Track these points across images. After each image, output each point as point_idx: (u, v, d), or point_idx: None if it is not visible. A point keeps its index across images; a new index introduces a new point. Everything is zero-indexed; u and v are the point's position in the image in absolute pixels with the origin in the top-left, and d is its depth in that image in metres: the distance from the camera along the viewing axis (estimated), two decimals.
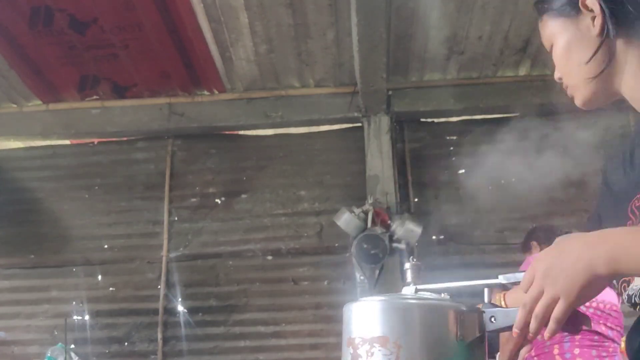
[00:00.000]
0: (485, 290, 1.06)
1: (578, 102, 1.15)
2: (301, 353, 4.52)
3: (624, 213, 1.04)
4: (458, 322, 0.99)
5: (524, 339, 0.96)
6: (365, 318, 1.02)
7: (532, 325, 0.89)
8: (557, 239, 0.91)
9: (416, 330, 0.99)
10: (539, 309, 0.87)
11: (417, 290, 1.06)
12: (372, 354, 0.97)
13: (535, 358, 2.73)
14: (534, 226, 3.31)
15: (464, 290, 1.13)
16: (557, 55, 1.13)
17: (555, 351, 2.67)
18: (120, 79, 4.66)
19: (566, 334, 2.62)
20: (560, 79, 1.17)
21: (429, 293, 1.07)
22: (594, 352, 2.62)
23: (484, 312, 1.02)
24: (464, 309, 1.01)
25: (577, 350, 2.63)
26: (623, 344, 2.79)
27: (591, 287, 0.84)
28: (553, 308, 0.86)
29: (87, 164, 5.01)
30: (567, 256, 0.85)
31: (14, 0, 3.87)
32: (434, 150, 4.85)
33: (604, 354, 2.62)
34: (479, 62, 4.52)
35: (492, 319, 1.01)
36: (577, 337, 2.62)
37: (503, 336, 1.05)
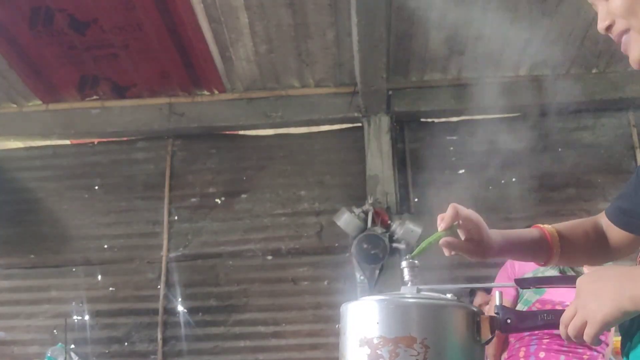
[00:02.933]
0: (497, 292, 1.05)
1: (636, 56, 0.97)
2: (301, 353, 4.51)
3: None
4: (476, 324, 0.99)
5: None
6: (387, 317, 0.98)
7: (573, 341, 0.96)
8: (600, 267, 0.96)
9: (444, 331, 0.97)
10: (571, 330, 0.93)
11: (419, 291, 1.06)
12: (398, 354, 0.94)
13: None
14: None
15: (461, 290, 1.13)
16: None
17: (521, 353, 2.66)
18: (120, 79, 4.66)
19: (534, 336, 2.62)
20: (608, 29, 1.00)
21: (432, 293, 1.06)
22: (562, 358, 2.56)
23: (498, 314, 1.02)
24: (476, 310, 1.02)
25: (542, 354, 2.59)
26: (617, 344, 2.75)
27: (616, 318, 0.88)
28: (583, 329, 0.91)
29: (87, 164, 5.00)
30: (600, 286, 0.90)
31: (14, 0, 3.87)
32: (434, 150, 4.84)
33: None
34: (479, 62, 4.52)
35: (508, 321, 1.01)
36: (545, 340, 2.60)
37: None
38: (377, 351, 0.95)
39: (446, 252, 1.20)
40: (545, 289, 2.58)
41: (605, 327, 0.89)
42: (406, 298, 1.02)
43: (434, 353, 0.94)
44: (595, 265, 1.38)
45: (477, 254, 1.20)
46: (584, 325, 0.91)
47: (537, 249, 1.26)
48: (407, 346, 0.94)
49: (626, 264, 1.14)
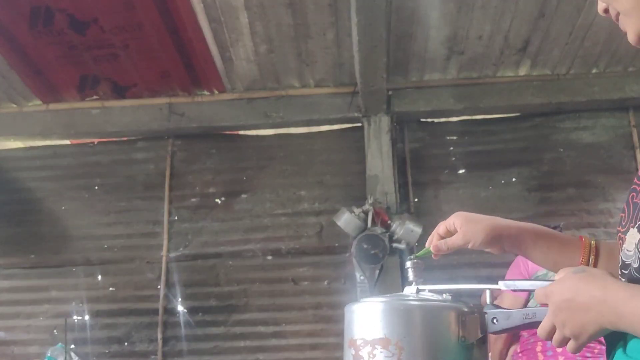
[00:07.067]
0: (487, 291, 1.05)
1: (634, 32, 0.95)
2: (301, 353, 4.51)
3: None
4: (460, 323, 0.99)
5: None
6: (366, 319, 1.01)
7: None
8: (577, 272, 0.94)
9: (418, 331, 0.98)
10: (555, 343, 0.93)
11: (418, 291, 1.06)
12: (374, 355, 0.97)
13: (520, 354, 2.76)
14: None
15: (464, 290, 1.13)
16: None
17: (538, 348, 2.70)
18: (120, 79, 4.66)
19: None
20: (606, 12, 1.00)
21: (430, 294, 1.06)
22: None
23: (486, 313, 1.02)
24: (466, 309, 1.01)
25: (559, 349, 2.63)
26: None
27: (598, 334, 0.89)
28: (567, 342, 0.92)
29: (87, 164, 5.00)
30: (579, 302, 0.89)
31: (14, 0, 3.87)
32: (434, 150, 4.85)
33: (588, 354, 2.60)
34: (479, 62, 4.52)
35: (494, 320, 1.01)
36: None
37: (491, 336, 1.05)
38: (359, 352, 0.99)
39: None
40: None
41: (590, 341, 0.90)
42: (382, 301, 1.03)
43: (409, 354, 0.96)
44: None
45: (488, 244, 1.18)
46: (566, 341, 0.92)
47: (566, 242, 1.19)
48: (383, 347, 0.96)
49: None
